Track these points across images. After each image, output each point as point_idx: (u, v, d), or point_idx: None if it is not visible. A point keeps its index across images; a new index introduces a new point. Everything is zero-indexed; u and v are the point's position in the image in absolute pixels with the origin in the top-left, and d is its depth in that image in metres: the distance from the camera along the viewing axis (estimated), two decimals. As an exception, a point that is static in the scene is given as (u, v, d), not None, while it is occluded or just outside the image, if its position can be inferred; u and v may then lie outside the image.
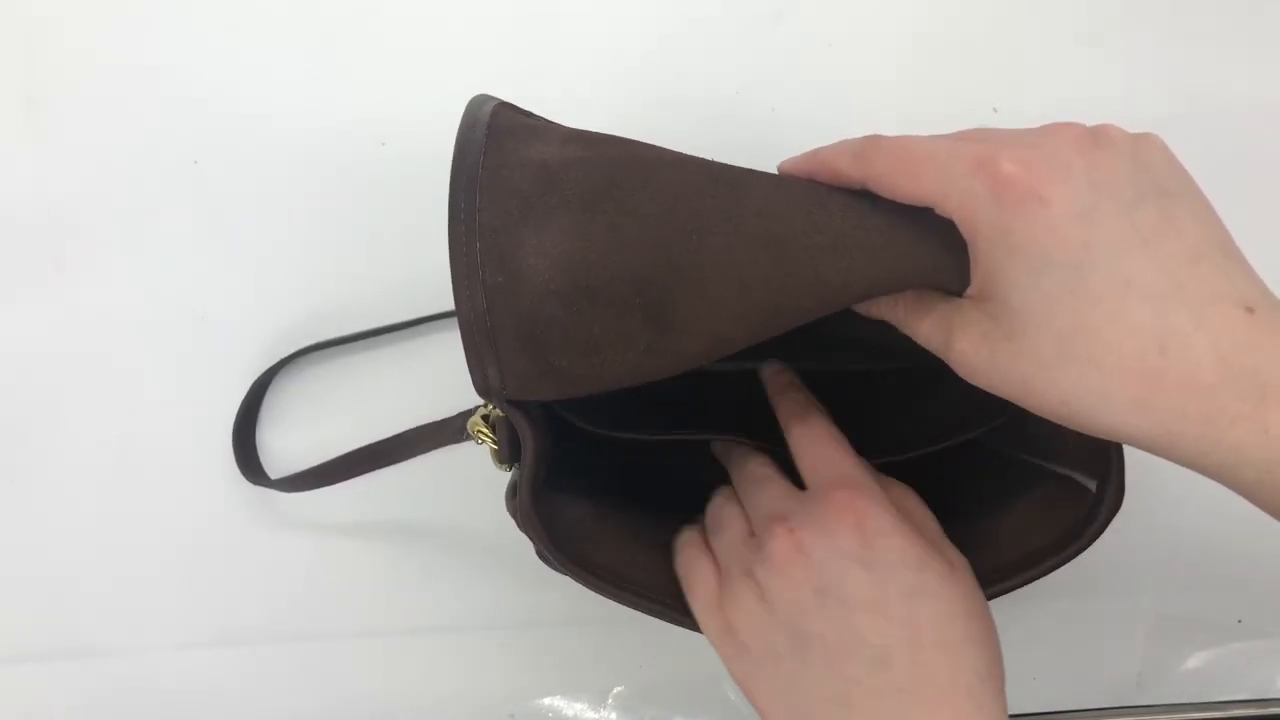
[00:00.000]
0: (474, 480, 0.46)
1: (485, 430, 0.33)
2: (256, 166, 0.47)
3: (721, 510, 0.35)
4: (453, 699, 0.46)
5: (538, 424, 0.31)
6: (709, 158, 0.31)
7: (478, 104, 0.32)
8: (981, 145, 0.26)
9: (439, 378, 0.46)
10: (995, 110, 0.48)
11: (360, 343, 0.47)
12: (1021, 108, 0.48)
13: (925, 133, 0.30)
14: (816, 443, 0.34)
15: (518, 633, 0.46)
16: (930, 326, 0.29)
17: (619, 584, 0.33)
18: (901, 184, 0.27)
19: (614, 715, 0.47)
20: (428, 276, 0.47)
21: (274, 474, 0.46)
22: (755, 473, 0.35)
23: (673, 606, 0.34)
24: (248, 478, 0.45)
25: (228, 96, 0.48)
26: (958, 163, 0.26)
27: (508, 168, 0.29)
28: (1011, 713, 0.46)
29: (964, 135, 0.28)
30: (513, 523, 0.43)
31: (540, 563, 0.36)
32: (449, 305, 0.46)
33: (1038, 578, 0.33)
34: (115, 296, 0.47)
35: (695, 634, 0.35)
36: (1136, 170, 0.26)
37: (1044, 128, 0.27)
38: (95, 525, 0.46)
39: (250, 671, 0.46)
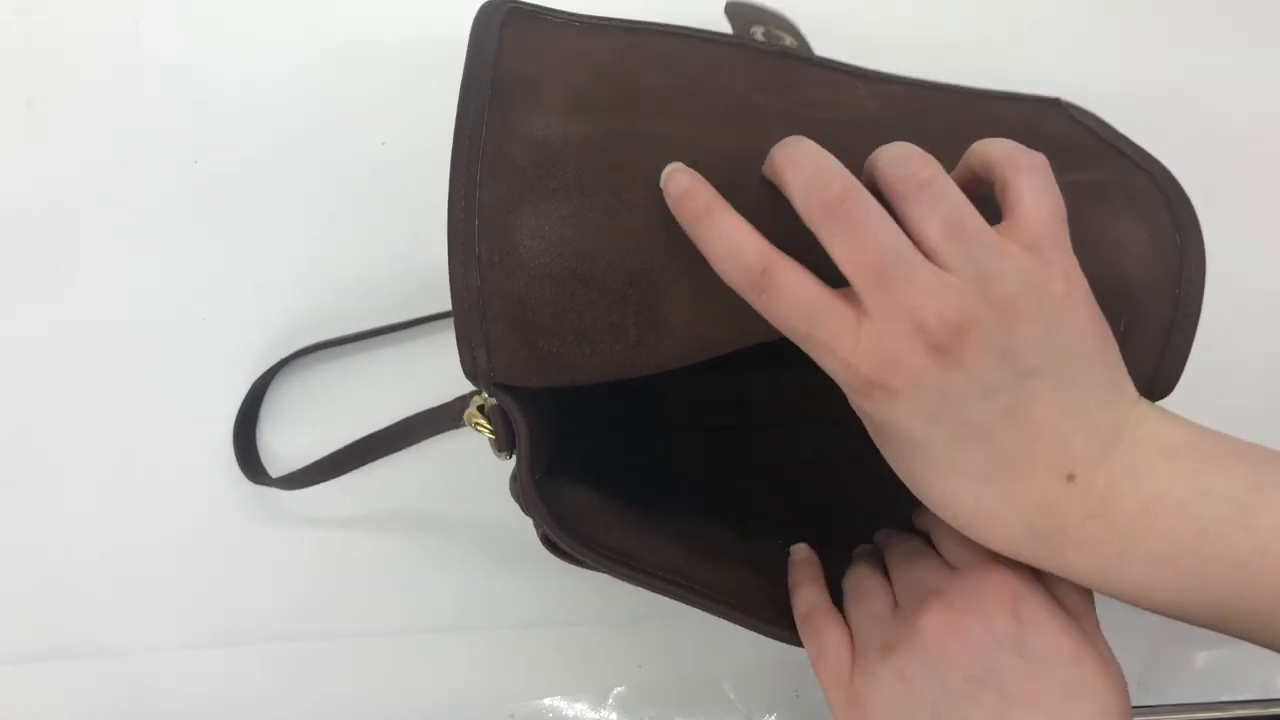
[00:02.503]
0: (474, 481, 0.46)
1: (482, 421, 0.32)
2: (256, 166, 0.47)
3: (864, 581, 0.33)
4: (453, 699, 0.46)
5: (530, 409, 0.31)
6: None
7: (490, 9, 0.31)
8: (851, 333, 0.26)
9: (438, 378, 0.46)
10: (995, 110, 0.48)
11: (360, 343, 0.47)
12: (1021, 107, 0.48)
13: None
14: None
15: (518, 633, 0.46)
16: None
17: (627, 562, 0.33)
18: (788, 330, 0.27)
19: (614, 715, 0.47)
20: (427, 276, 0.47)
21: (275, 474, 0.46)
22: (910, 547, 0.33)
23: (684, 585, 0.33)
24: (249, 477, 0.45)
25: (228, 96, 0.48)
26: (829, 345, 0.26)
27: (510, 143, 0.29)
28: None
29: (861, 275, 0.26)
30: (513, 524, 0.43)
31: (541, 563, 0.36)
32: (449, 305, 0.46)
33: None
34: (115, 296, 0.47)
35: (694, 634, 0.35)
36: (1000, 363, 0.26)
37: (925, 315, 0.25)
38: (95, 525, 0.46)
39: (251, 671, 0.46)
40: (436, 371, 0.46)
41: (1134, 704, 0.46)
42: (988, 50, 0.49)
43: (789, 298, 0.26)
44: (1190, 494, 0.26)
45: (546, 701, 0.46)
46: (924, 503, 0.29)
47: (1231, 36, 0.49)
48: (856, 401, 0.28)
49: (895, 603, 0.31)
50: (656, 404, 0.45)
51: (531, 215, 0.28)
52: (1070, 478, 0.27)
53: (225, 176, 0.47)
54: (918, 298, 0.25)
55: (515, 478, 0.33)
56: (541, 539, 0.35)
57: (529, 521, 0.38)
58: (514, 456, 0.33)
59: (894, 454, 0.29)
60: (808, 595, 0.34)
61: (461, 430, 0.46)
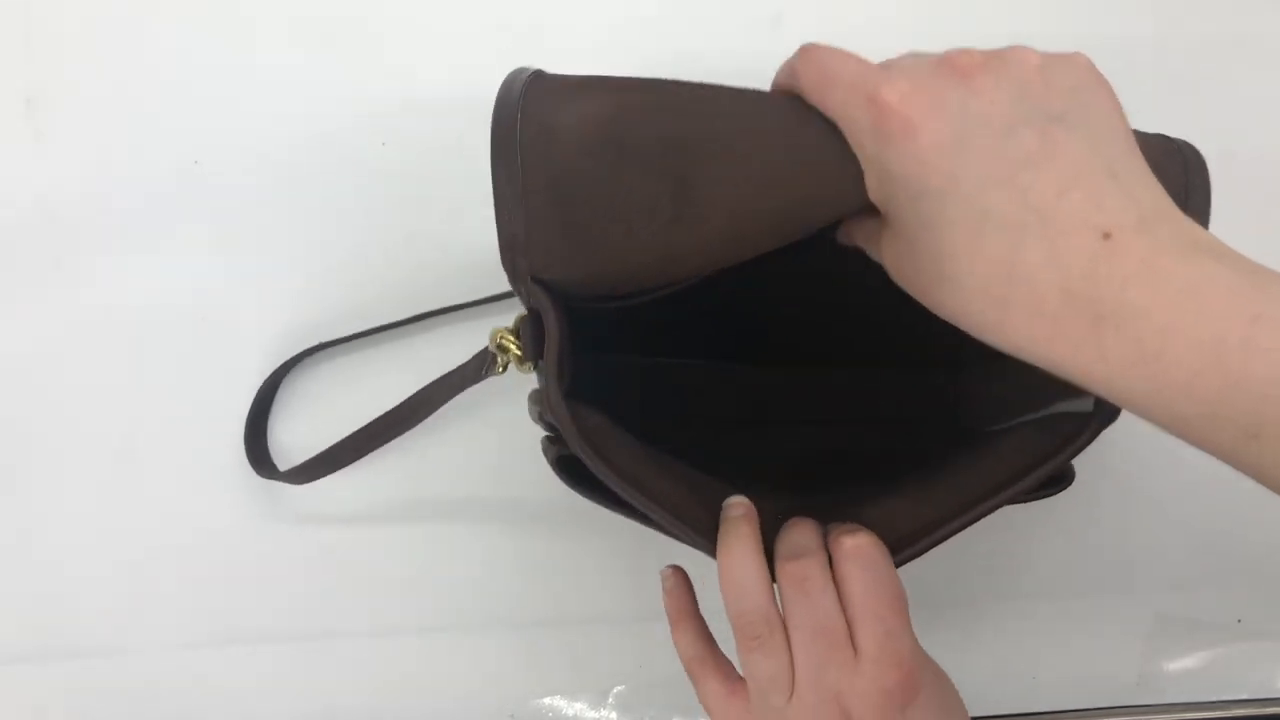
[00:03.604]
0: (474, 482, 0.46)
1: (508, 336, 0.33)
2: (256, 166, 0.47)
3: (765, 664, 0.32)
4: (453, 699, 0.46)
5: (562, 314, 0.31)
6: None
7: (514, 73, 0.33)
8: (881, 75, 0.27)
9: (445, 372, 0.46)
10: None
11: (367, 340, 0.47)
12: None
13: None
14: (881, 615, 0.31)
15: (518, 633, 0.46)
16: (870, 243, 0.31)
17: (639, 487, 0.32)
18: (814, 101, 0.29)
19: (614, 715, 0.47)
20: (429, 275, 0.47)
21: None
22: (821, 621, 0.31)
23: (686, 521, 0.32)
24: (260, 473, 0.45)
25: (228, 96, 0.48)
26: (856, 93, 0.27)
27: (552, 80, 0.31)
28: (1011, 712, 0.47)
29: (891, 62, 0.29)
30: (513, 524, 0.43)
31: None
32: (453, 300, 0.46)
33: (1043, 480, 0.32)
34: (115, 296, 0.47)
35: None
36: (1025, 96, 0.26)
37: (951, 54, 0.28)
38: (95, 526, 0.46)
39: (251, 671, 0.46)
40: (444, 367, 0.46)
41: (1134, 704, 0.47)
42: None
43: (825, 51, 0.29)
44: (1240, 281, 0.24)
45: (546, 701, 0.46)
46: (947, 291, 0.27)
47: (1233, 37, 0.49)
48: (878, 152, 0.27)
49: (793, 678, 0.31)
50: (671, 396, 0.45)
51: (570, 101, 0.29)
52: (1107, 236, 0.25)
53: (225, 176, 0.47)
54: (944, 54, 0.27)
55: (534, 398, 0.33)
56: (554, 463, 0.35)
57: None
58: (536, 371, 0.33)
59: (917, 232, 0.27)
60: (684, 643, 0.35)
61: (464, 431, 0.46)
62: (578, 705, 0.46)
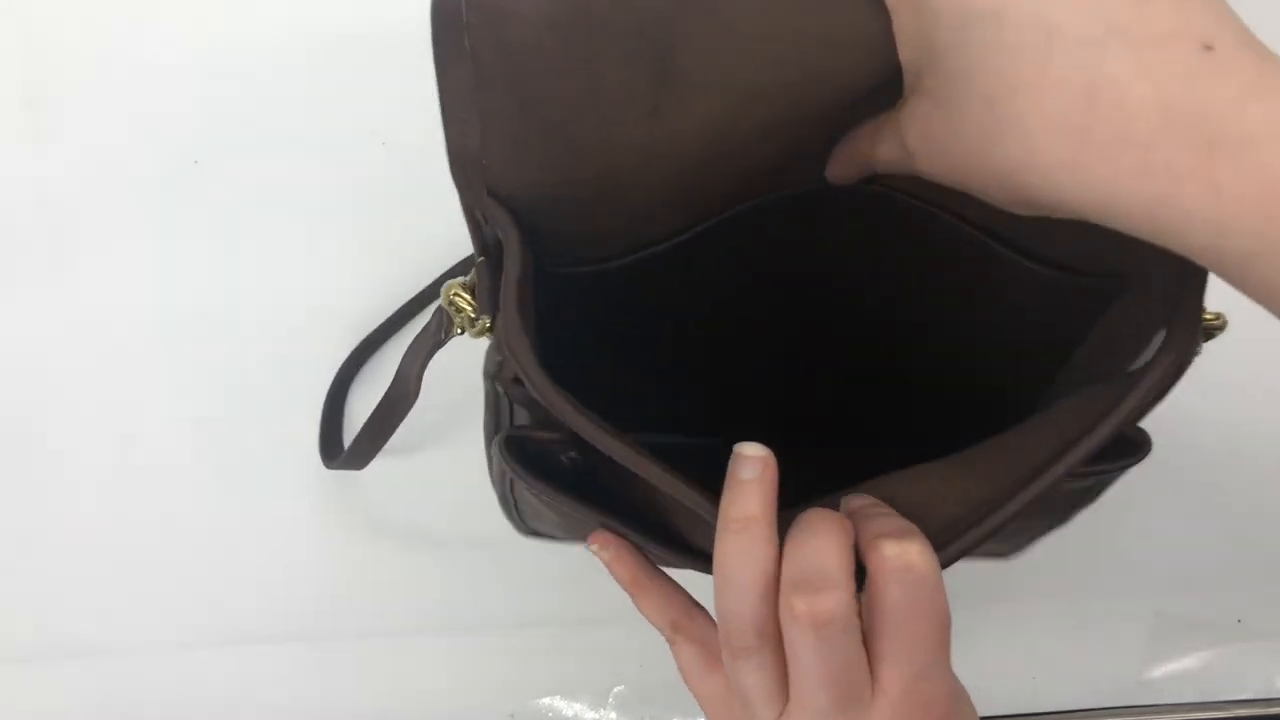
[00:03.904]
0: (474, 483, 0.46)
1: (460, 291, 0.28)
2: (256, 166, 0.47)
3: (751, 677, 0.26)
4: (453, 699, 0.46)
5: (526, 243, 0.26)
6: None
7: None
8: None
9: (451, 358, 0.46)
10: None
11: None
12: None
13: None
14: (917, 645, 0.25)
15: (518, 633, 0.46)
16: (887, 146, 0.27)
17: (615, 433, 0.25)
18: None
19: (614, 715, 0.47)
20: (430, 274, 0.47)
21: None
22: (830, 648, 0.24)
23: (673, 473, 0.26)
24: (329, 465, 0.45)
25: (228, 96, 0.48)
26: None
27: None
28: (1011, 713, 0.47)
29: None
30: (512, 526, 0.43)
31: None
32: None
33: (1114, 439, 0.26)
34: (114, 296, 0.47)
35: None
36: None
37: None
38: (96, 526, 0.46)
39: (251, 672, 0.46)
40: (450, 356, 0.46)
41: (1134, 704, 0.47)
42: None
43: None
44: None
45: (546, 701, 0.46)
46: (1004, 139, 0.22)
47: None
48: None
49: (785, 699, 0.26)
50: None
51: None
52: (1209, 48, 0.20)
53: (225, 176, 0.47)
54: None
55: (489, 361, 0.29)
56: (503, 444, 0.29)
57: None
58: (490, 332, 0.28)
59: (962, 79, 0.23)
60: (652, 610, 0.30)
61: (464, 431, 0.46)
62: (578, 705, 0.46)
